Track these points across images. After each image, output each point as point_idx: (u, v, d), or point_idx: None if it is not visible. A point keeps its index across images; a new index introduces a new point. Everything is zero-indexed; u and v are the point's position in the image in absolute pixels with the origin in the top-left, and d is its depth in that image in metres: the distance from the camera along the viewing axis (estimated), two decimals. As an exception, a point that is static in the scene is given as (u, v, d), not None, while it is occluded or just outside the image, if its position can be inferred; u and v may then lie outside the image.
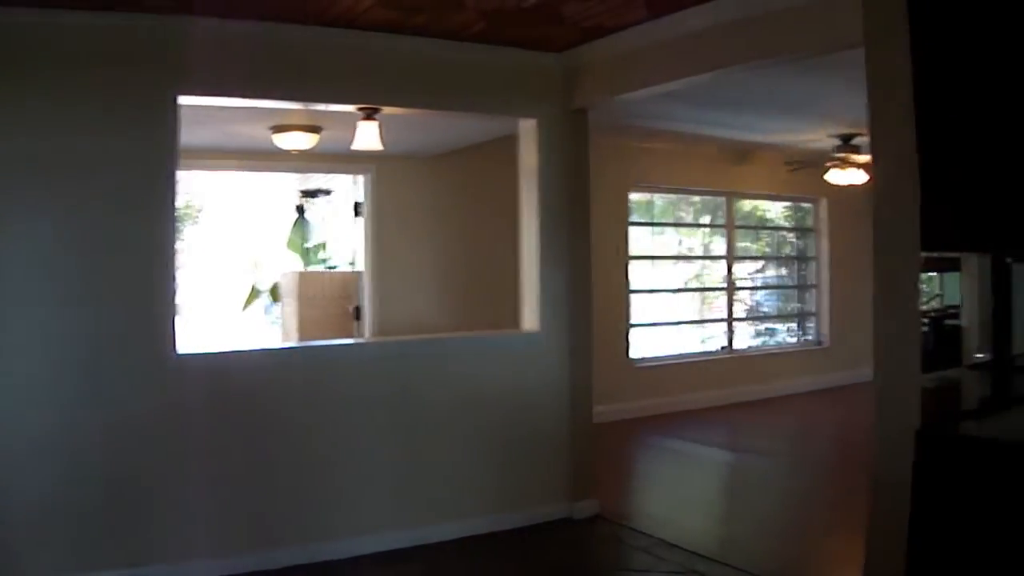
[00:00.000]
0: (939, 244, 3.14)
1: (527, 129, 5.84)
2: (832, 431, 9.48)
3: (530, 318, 5.84)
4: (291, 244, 11.32)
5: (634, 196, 10.16)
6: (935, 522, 3.01)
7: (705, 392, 10.22)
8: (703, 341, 11.07)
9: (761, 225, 12.13)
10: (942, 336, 3.57)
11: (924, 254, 3.18)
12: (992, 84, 2.92)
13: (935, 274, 3.58)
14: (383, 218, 8.71)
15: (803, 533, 5.83)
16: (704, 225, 11.37)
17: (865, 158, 8.66)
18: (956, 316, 3.61)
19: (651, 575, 4.93)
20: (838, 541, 5.53)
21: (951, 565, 2.96)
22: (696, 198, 11.11)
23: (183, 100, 4.68)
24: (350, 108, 5.51)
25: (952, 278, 3.62)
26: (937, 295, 3.59)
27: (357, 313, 8.80)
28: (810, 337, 12.14)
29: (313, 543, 4.94)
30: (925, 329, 3.27)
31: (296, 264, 11.15)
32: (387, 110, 5.59)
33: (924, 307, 3.32)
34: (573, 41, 5.49)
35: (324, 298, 9.25)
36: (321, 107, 5.65)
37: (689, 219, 11.31)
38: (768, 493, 6.94)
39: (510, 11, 4.80)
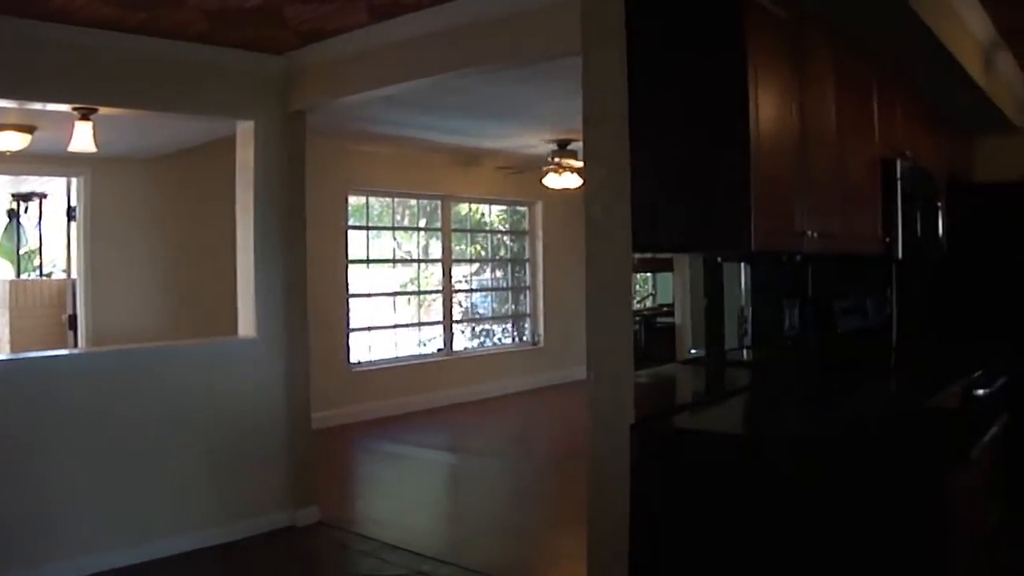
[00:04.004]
0: (651, 245, 3.50)
1: (245, 131, 6.03)
2: (550, 429, 10.20)
3: (246, 324, 6.02)
4: (3, 250, 11.04)
5: (353, 199, 10.53)
6: (654, 512, 3.39)
7: (424, 394, 10.76)
8: (422, 344, 11.52)
9: (478, 228, 12.72)
10: (656, 334, 3.94)
11: (637, 255, 3.49)
12: (697, 94, 3.41)
13: (649, 274, 3.89)
14: (99, 222, 8.60)
15: (526, 530, 6.33)
16: (421, 228, 11.82)
17: (580, 163, 9.41)
18: (670, 314, 3.99)
19: (377, 579, 5.25)
20: (561, 536, 6.02)
21: (672, 552, 3.36)
22: (413, 201, 11.56)
23: None
24: (65, 107, 5.54)
25: (665, 278, 4.00)
26: (651, 294, 3.91)
27: (71, 322, 8.64)
28: (526, 338, 12.89)
29: (31, 566, 4.89)
30: (639, 327, 3.60)
31: (8, 272, 10.83)
32: (104, 110, 5.60)
33: (638, 306, 3.66)
34: (294, 43, 5.72)
35: (37, 307, 9.07)
36: (35, 106, 5.60)
37: (407, 223, 11.74)
38: (490, 492, 7.45)
39: (232, 11, 4.97)
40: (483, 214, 12.85)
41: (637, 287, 3.63)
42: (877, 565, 2.98)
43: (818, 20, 4.05)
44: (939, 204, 5.88)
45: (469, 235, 12.64)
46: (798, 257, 3.96)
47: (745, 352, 4.50)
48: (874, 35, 4.46)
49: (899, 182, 4.92)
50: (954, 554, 2.98)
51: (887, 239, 4.90)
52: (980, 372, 5.06)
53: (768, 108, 3.46)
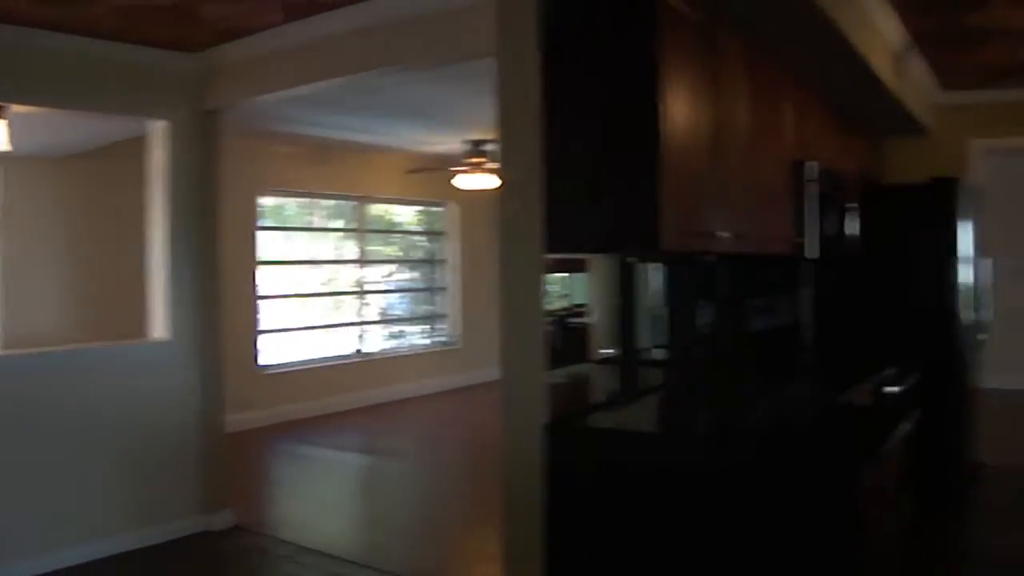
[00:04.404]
0: (564, 246, 3.53)
1: (158, 130, 5.97)
2: (465, 430, 10.21)
3: (159, 326, 5.97)
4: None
5: (266, 200, 10.48)
6: (568, 511, 3.43)
7: (339, 396, 10.77)
8: (337, 346, 11.48)
9: (392, 229, 12.72)
10: (570, 334, 3.93)
11: (551, 256, 3.52)
12: (609, 96, 3.45)
13: (563, 274, 3.90)
14: (11, 222, 8.49)
15: (442, 531, 6.37)
16: (335, 229, 11.78)
17: (495, 163, 9.50)
18: (584, 314, 4.02)
19: (293, 583, 5.22)
20: (477, 537, 6.12)
21: (586, 552, 3.40)
22: (328, 202, 11.54)
23: None
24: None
25: (579, 278, 4.03)
26: (565, 294, 3.93)
27: (-18, 324, 8.43)
28: (441, 338, 12.93)
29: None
30: (552, 327, 3.60)
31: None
32: (16, 108, 5.55)
33: (552, 307, 3.67)
34: (209, 42, 5.68)
35: (-54, 311, 8.81)
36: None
37: (321, 223, 11.70)
38: (406, 494, 7.47)
39: (145, 9, 4.93)
40: (397, 214, 12.84)
41: (551, 288, 3.63)
42: (790, 562, 3.04)
43: (731, 23, 4.12)
44: (850, 205, 6.02)
45: (384, 236, 12.62)
46: (710, 257, 4.02)
47: (658, 352, 4.55)
48: (787, 38, 4.56)
49: (811, 183, 5.03)
50: (866, 551, 3.04)
51: (799, 239, 5.00)
52: (892, 370, 5.20)
53: (680, 109, 3.52)
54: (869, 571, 3.12)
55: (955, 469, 6.51)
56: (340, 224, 11.86)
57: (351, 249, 11.86)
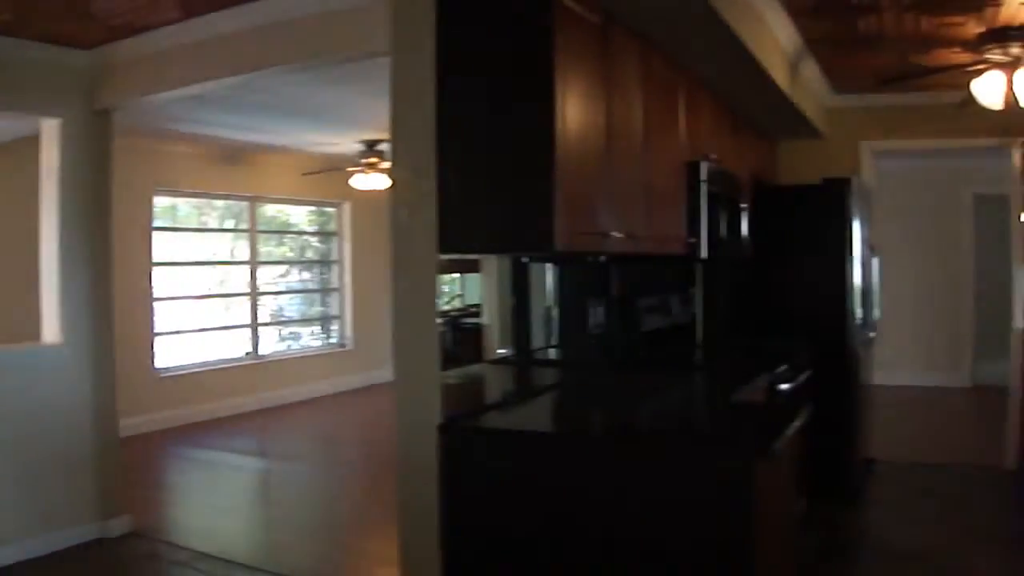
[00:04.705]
0: (457, 246, 3.53)
1: (50, 129, 5.85)
2: (360, 431, 10.28)
3: (50, 329, 5.85)
4: None
5: (161, 200, 10.33)
6: (464, 512, 3.45)
7: (233, 399, 10.69)
8: (231, 348, 11.39)
9: (285, 229, 12.62)
10: (464, 334, 3.97)
11: (444, 256, 3.52)
12: (504, 96, 3.47)
13: (457, 275, 3.93)
14: None
15: (339, 534, 6.35)
16: (230, 230, 11.65)
17: (388, 164, 9.52)
18: (478, 315, 4.05)
19: (190, 588, 5.16)
20: (374, 539, 6.13)
21: (483, 551, 3.42)
22: (220, 202, 11.42)
23: None
24: None
25: (473, 278, 4.05)
26: (458, 295, 3.96)
27: None
28: (334, 340, 12.91)
29: None
30: (446, 328, 3.62)
31: None
32: None
33: (446, 307, 3.69)
34: (104, 38, 5.56)
35: None
36: None
37: (213, 224, 11.56)
38: (303, 497, 7.45)
39: (38, 3, 4.82)
40: (290, 215, 12.77)
41: (444, 288, 3.65)
42: (687, 558, 3.09)
43: (628, 24, 4.18)
44: (743, 205, 6.13)
45: (276, 236, 12.53)
46: (603, 257, 4.06)
47: (552, 351, 4.59)
48: (683, 40, 4.65)
49: (704, 184, 5.11)
50: (760, 545, 3.09)
51: (691, 239, 5.09)
52: (784, 367, 5.30)
53: (575, 110, 3.55)
54: (764, 564, 3.18)
55: (847, 464, 6.68)
56: (234, 225, 11.71)
57: (245, 250, 11.72)
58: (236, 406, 10.80)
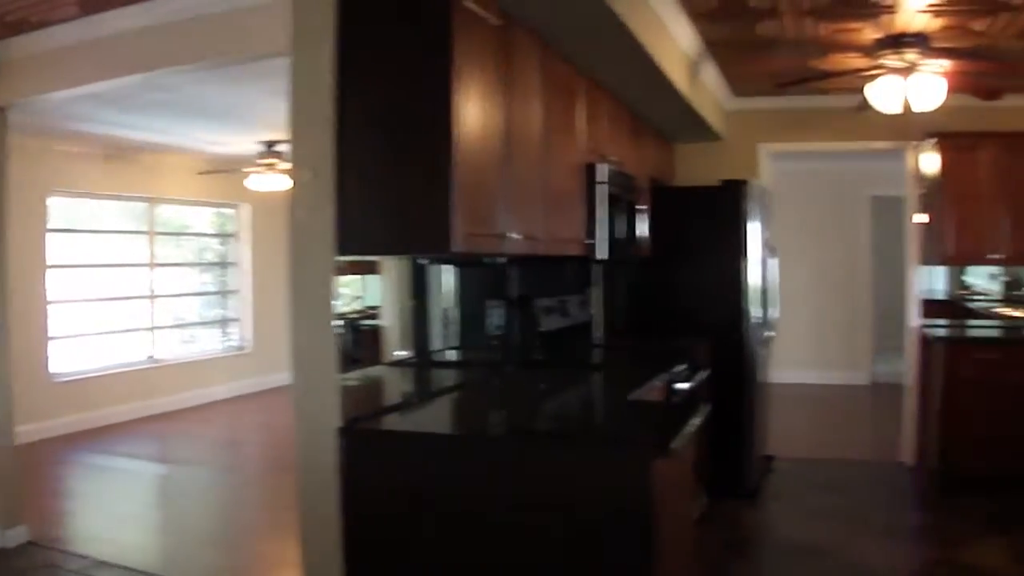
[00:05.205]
0: (356, 248, 3.53)
1: (-59, 128, 5.68)
2: (261, 435, 10.24)
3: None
4: None
5: (56, 201, 10.13)
6: (365, 515, 3.45)
7: (132, 404, 10.56)
8: (130, 352, 11.23)
9: (184, 231, 12.47)
10: (363, 336, 4.01)
11: (343, 258, 3.52)
12: (404, 96, 3.50)
13: (357, 277, 3.94)
14: None
15: (241, 539, 6.34)
16: (127, 231, 11.45)
17: (288, 164, 9.47)
18: (377, 317, 4.08)
19: (89, 597, 5.09)
20: (276, 543, 6.09)
21: (386, 554, 3.42)
22: (120, 203, 11.23)
23: None
24: None
25: (372, 280, 4.08)
26: (358, 297, 3.97)
27: None
28: (233, 343, 12.81)
29: None
30: (345, 330, 3.63)
31: None
32: None
33: (345, 309, 3.69)
34: (-2, 35, 5.44)
35: None
36: None
37: (112, 225, 11.35)
38: (204, 502, 7.39)
39: None
40: (190, 217, 12.62)
41: (344, 290, 3.66)
42: (588, 558, 3.14)
43: (528, 25, 4.26)
44: (642, 207, 6.24)
45: (176, 238, 12.38)
46: (501, 258, 4.11)
47: (451, 353, 4.63)
48: (584, 44, 4.72)
49: (602, 185, 5.21)
50: (661, 542, 3.15)
51: (589, 241, 5.18)
52: (682, 367, 5.41)
53: (473, 111, 3.60)
54: (666, 562, 3.25)
55: (746, 461, 6.83)
56: (132, 226, 11.54)
57: (143, 252, 11.56)
58: (135, 411, 10.66)
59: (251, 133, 9.48)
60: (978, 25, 5.60)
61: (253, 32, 4.65)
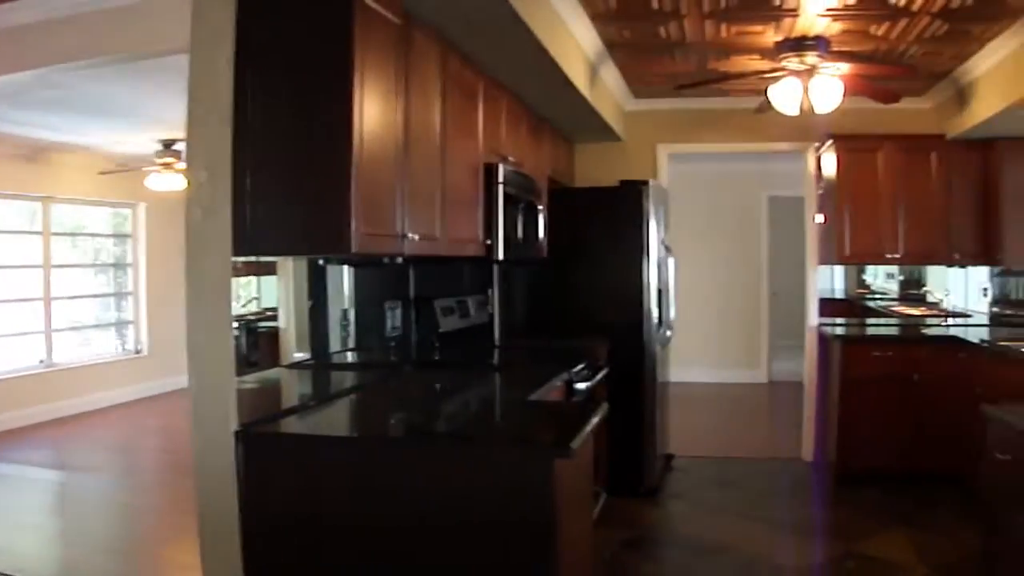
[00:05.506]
0: (253, 248, 3.52)
1: None
2: (159, 439, 10.11)
3: None
4: None
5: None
6: (265, 517, 3.43)
7: (26, 409, 10.37)
8: (23, 356, 11.01)
9: (79, 232, 12.24)
10: (260, 338, 3.97)
11: (240, 259, 3.50)
12: (303, 96, 3.49)
13: (254, 278, 3.91)
14: None
15: (141, 546, 6.25)
16: (19, 232, 11.21)
17: (185, 164, 9.36)
18: (274, 318, 4.03)
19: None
20: (176, 549, 6.02)
21: (286, 558, 3.40)
22: (14, 203, 11.00)
23: None
24: None
25: (269, 281, 4.04)
26: (255, 298, 3.93)
27: None
28: (130, 346, 12.62)
29: None
30: (241, 333, 3.61)
31: None
32: None
33: (242, 311, 3.66)
34: None
35: None
36: None
37: (3, 226, 11.06)
38: (102, 508, 7.28)
39: None
40: (85, 217, 12.39)
41: (240, 292, 3.63)
42: (490, 558, 3.16)
43: (429, 25, 4.29)
44: (541, 207, 6.29)
45: (72, 239, 12.13)
46: (400, 258, 4.12)
47: (350, 354, 4.62)
48: (485, 43, 4.77)
49: (501, 186, 5.25)
50: (560, 544, 3.17)
51: (488, 241, 5.21)
52: (581, 366, 5.47)
53: (372, 111, 3.61)
54: (567, 561, 3.28)
55: (647, 460, 6.93)
56: (26, 226, 11.28)
57: (37, 253, 11.30)
58: (29, 416, 10.45)
59: (149, 131, 9.36)
60: (877, 30, 5.76)
61: (152, 28, 4.61)
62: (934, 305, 8.80)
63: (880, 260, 8.15)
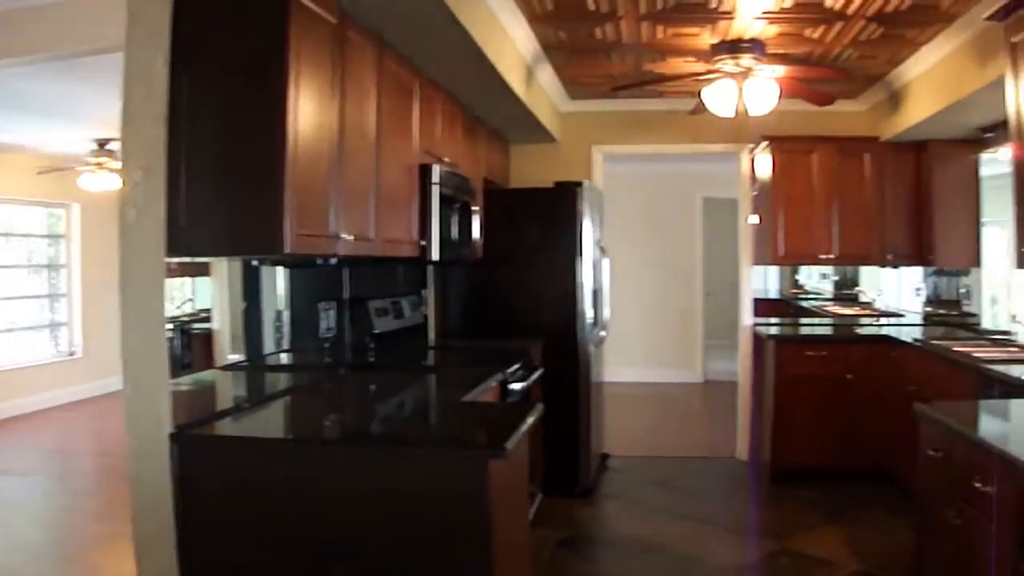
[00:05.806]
0: (187, 249, 3.50)
1: None
2: (92, 443, 9.98)
3: None
4: None
5: None
6: (201, 520, 3.41)
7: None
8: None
9: (11, 232, 12.07)
10: (194, 340, 3.95)
11: (173, 259, 3.48)
12: (238, 94, 3.49)
13: (187, 279, 3.88)
14: None
15: (76, 552, 6.17)
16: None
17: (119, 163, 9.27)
18: (208, 320, 4.02)
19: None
20: (110, 554, 5.98)
21: (222, 561, 3.40)
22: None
23: None
24: None
25: (203, 282, 4.02)
26: (189, 300, 3.91)
27: None
28: (63, 348, 12.46)
29: None
30: (175, 334, 3.59)
31: None
32: None
33: (176, 312, 3.65)
34: None
35: None
36: None
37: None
38: (35, 514, 7.19)
39: None
40: (18, 217, 12.20)
41: (175, 293, 3.62)
42: (426, 558, 3.19)
43: (364, 24, 4.31)
44: (476, 208, 6.32)
45: (3, 239, 11.94)
46: (333, 259, 4.13)
47: (284, 356, 4.61)
48: (420, 43, 4.80)
49: (436, 186, 5.28)
50: (496, 545, 3.19)
51: (423, 242, 5.24)
52: (516, 367, 5.51)
53: (307, 110, 3.62)
54: (502, 561, 3.31)
55: (582, 459, 6.99)
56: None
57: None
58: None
59: (83, 130, 9.26)
60: (813, 33, 5.86)
61: (85, 26, 4.58)
62: (867, 305, 8.95)
63: (814, 260, 8.26)
